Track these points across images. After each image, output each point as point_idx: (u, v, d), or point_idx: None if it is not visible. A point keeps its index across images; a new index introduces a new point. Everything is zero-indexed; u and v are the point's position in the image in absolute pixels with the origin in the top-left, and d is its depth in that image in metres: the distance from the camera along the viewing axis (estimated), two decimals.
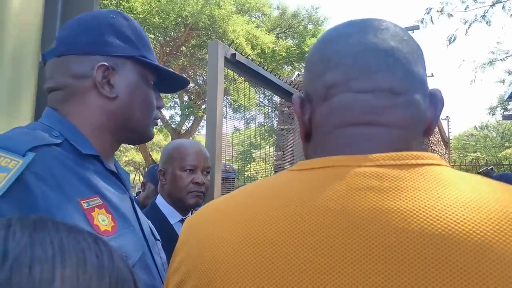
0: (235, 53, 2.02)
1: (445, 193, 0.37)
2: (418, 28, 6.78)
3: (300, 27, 14.78)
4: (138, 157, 20.95)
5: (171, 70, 0.79)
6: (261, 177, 3.43)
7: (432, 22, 5.42)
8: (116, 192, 0.69)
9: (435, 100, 0.49)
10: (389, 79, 0.46)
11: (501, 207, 0.35)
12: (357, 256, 0.35)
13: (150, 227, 0.78)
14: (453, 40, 5.64)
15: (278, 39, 13.97)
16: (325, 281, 0.35)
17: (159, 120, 0.82)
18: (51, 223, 0.31)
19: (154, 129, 0.81)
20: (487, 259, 0.32)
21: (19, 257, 0.27)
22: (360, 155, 0.43)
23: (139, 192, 2.35)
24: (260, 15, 14.64)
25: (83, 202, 0.59)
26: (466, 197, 0.37)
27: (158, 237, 0.81)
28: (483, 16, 5.43)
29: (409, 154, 0.42)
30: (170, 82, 0.81)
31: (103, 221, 0.61)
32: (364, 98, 0.46)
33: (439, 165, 0.42)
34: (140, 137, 0.77)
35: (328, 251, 0.36)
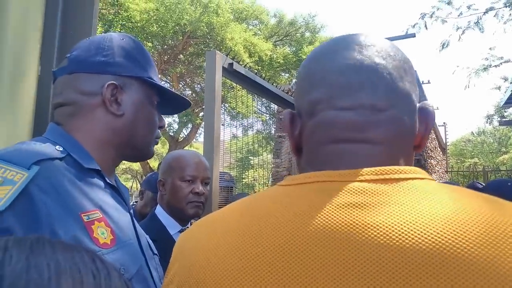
0: (232, 63, 2.04)
1: (427, 207, 0.37)
2: (414, 36, 6.83)
3: (297, 34, 14.89)
4: (136, 165, 20.90)
5: (175, 92, 0.84)
6: (259, 184, 3.43)
7: (426, 28, 5.48)
8: (116, 206, 0.70)
9: (425, 114, 0.49)
10: (371, 96, 0.46)
11: (483, 219, 0.36)
12: (339, 272, 0.36)
13: (148, 241, 0.80)
14: (446, 46, 5.70)
15: (276, 47, 14.06)
16: None
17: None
18: (48, 244, 0.31)
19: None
20: (467, 273, 0.32)
21: (15, 282, 0.27)
22: (343, 170, 0.44)
23: (136, 201, 2.34)
24: (257, 23, 14.75)
25: (83, 215, 0.60)
26: (448, 211, 0.37)
27: (155, 251, 0.82)
28: (477, 23, 5.49)
29: (392, 169, 0.42)
30: (172, 104, 0.85)
31: (102, 234, 0.62)
32: (346, 115, 0.46)
33: (423, 178, 0.42)
34: (142, 154, 0.80)
35: (312, 268, 0.37)
